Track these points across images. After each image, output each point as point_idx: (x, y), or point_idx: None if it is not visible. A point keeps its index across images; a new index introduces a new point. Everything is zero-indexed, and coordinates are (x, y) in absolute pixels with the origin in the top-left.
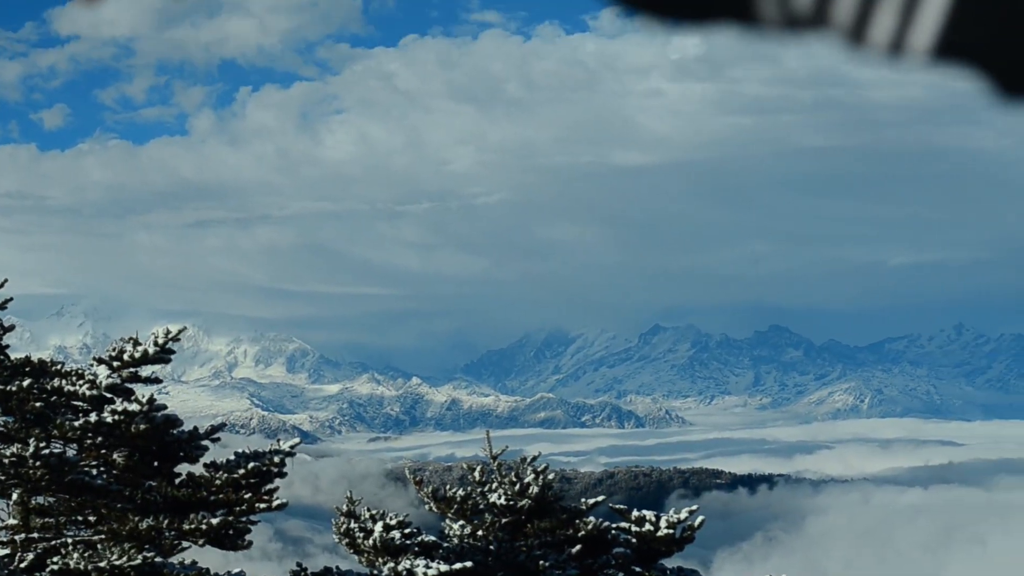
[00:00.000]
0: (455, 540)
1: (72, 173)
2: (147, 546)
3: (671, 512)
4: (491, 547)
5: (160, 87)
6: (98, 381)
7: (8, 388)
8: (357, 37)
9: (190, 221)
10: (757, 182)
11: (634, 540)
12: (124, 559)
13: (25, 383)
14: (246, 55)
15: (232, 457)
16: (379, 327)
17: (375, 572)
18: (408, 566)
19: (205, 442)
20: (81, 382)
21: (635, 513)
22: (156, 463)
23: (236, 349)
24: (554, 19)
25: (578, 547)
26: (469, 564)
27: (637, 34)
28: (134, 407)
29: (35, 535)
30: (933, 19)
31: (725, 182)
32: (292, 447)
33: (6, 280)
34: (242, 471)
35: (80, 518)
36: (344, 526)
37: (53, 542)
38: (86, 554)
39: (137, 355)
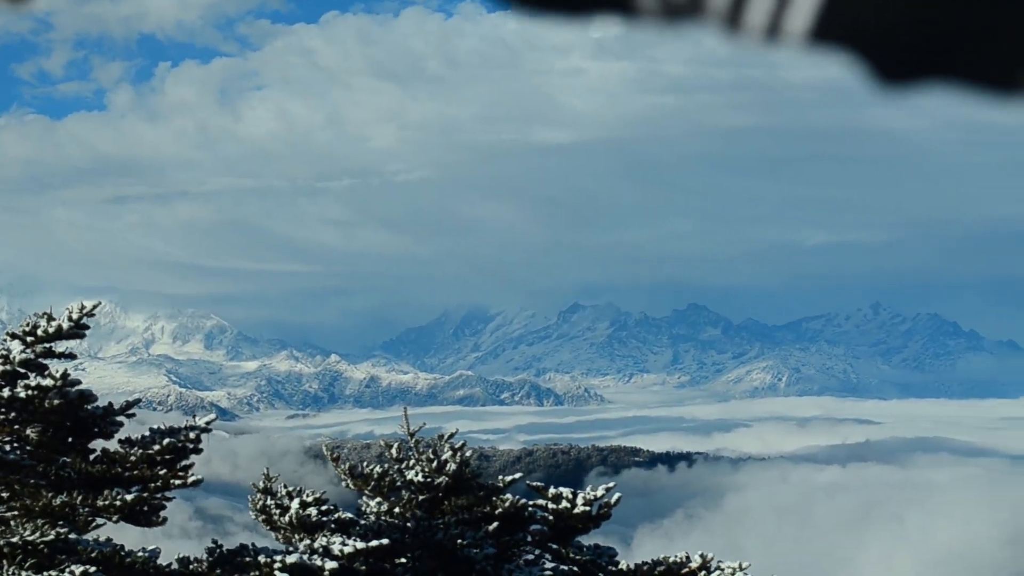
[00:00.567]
0: (372, 517)
1: None
2: (61, 522)
3: (588, 489)
4: (408, 524)
5: (78, 62)
6: (11, 356)
7: None
8: (278, 13)
9: (108, 197)
10: (676, 161)
11: (551, 517)
12: (37, 535)
13: None
14: (165, 30)
15: (147, 433)
16: (298, 304)
17: (291, 549)
18: (324, 543)
19: (120, 418)
20: None
21: (552, 490)
22: (70, 439)
23: (153, 326)
24: None
25: (495, 524)
26: (386, 541)
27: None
28: (48, 382)
29: None
30: (809, 3)
31: (645, 160)
32: (208, 423)
33: None
34: (157, 447)
35: None
36: (261, 503)
37: None
38: None
39: (51, 330)
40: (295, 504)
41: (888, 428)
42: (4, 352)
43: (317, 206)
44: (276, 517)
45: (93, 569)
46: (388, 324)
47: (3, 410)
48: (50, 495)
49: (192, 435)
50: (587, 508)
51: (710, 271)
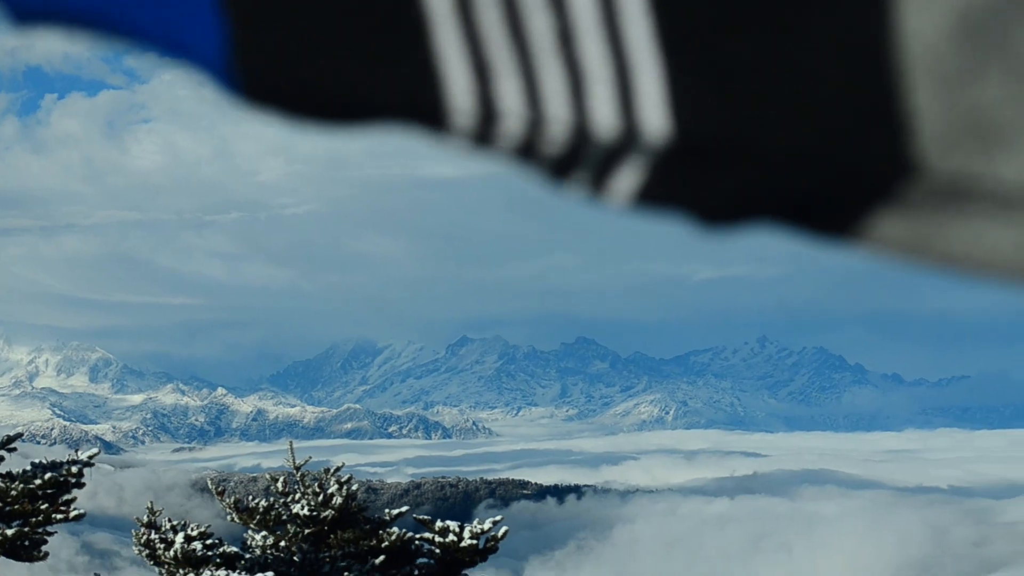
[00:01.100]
0: (258, 551)
1: None
2: None
3: (476, 522)
4: (295, 558)
5: None
6: None
7: None
8: None
9: None
10: (563, 198)
11: (438, 551)
12: None
13: None
14: (52, 62)
15: (28, 467)
16: (184, 337)
17: None
18: None
19: (1, 452)
20: None
21: (439, 524)
22: None
23: (37, 358)
24: None
25: (382, 558)
26: (271, 575)
27: None
28: None
29: None
30: (634, 179)
31: (531, 195)
32: (90, 457)
33: None
34: (39, 481)
35: None
36: (145, 537)
37: None
38: None
39: None
40: (179, 538)
41: (775, 461)
42: None
43: (204, 239)
44: (160, 552)
45: None
46: (275, 357)
47: None
48: None
49: (74, 469)
50: (474, 541)
51: (598, 305)
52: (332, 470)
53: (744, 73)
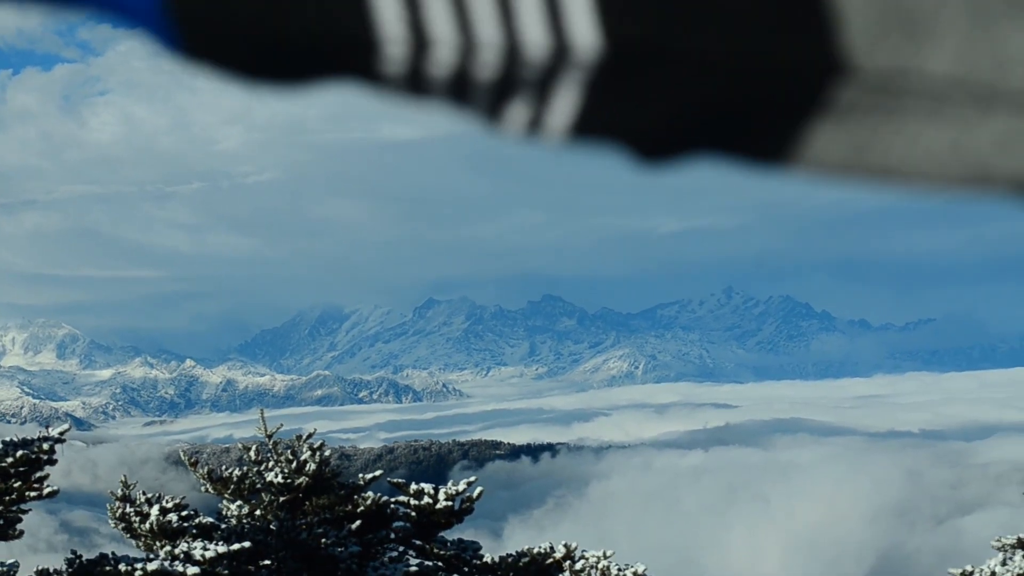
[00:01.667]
0: (233, 521)
1: None
2: None
3: (450, 484)
4: (271, 526)
5: None
6: None
7: None
8: None
9: None
10: (523, 152)
11: (413, 514)
12: None
13: None
14: (5, 37)
15: None
16: (150, 310)
17: (152, 556)
18: (186, 548)
19: None
20: None
21: (413, 486)
22: None
23: (4, 337)
24: None
25: (358, 523)
26: (248, 544)
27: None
28: None
29: None
30: (569, 103)
31: (492, 154)
32: (61, 433)
33: None
34: (10, 459)
35: None
36: (120, 511)
37: None
38: None
39: None
40: (155, 511)
41: (746, 411)
42: None
43: (166, 210)
44: (136, 525)
45: None
46: (242, 327)
47: None
48: None
49: (46, 446)
50: (449, 503)
51: (563, 262)
52: (304, 437)
53: None
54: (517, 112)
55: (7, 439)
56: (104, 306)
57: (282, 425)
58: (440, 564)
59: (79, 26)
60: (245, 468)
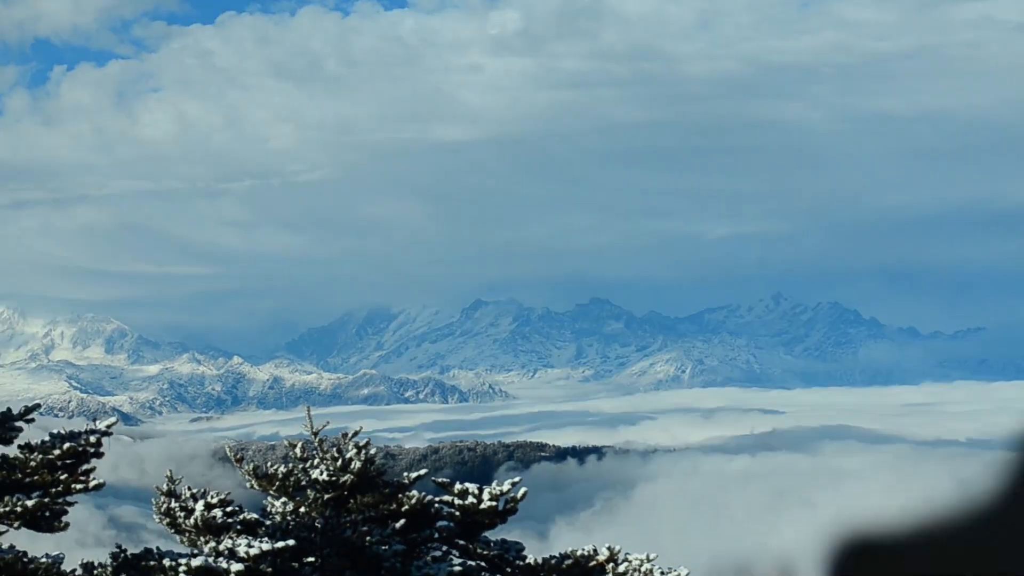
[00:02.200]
0: (277, 517)
1: None
2: None
3: (494, 484)
4: (316, 523)
5: None
6: None
7: None
8: (173, 14)
9: (5, 202)
10: (576, 156)
11: (458, 513)
12: None
13: None
14: (60, 33)
15: (47, 438)
16: (199, 306)
17: (196, 552)
18: (230, 545)
19: (19, 423)
20: None
21: (458, 486)
22: None
23: (53, 331)
24: None
25: (402, 521)
26: (292, 542)
27: (456, 9)
28: None
29: None
30: None
31: (544, 156)
32: (108, 426)
33: None
34: (57, 452)
35: None
36: (165, 506)
37: None
38: None
39: None
40: (199, 506)
41: (793, 417)
42: None
43: (217, 208)
44: (181, 520)
45: None
46: (290, 325)
47: None
48: None
49: (93, 439)
50: (493, 503)
51: (612, 265)
52: (350, 435)
53: None
54: None
55: (54, 431)
56: (153, 302)
57: (328, 423)
58: (483, 564)
59: (133, 23)
60: (291, 465)
